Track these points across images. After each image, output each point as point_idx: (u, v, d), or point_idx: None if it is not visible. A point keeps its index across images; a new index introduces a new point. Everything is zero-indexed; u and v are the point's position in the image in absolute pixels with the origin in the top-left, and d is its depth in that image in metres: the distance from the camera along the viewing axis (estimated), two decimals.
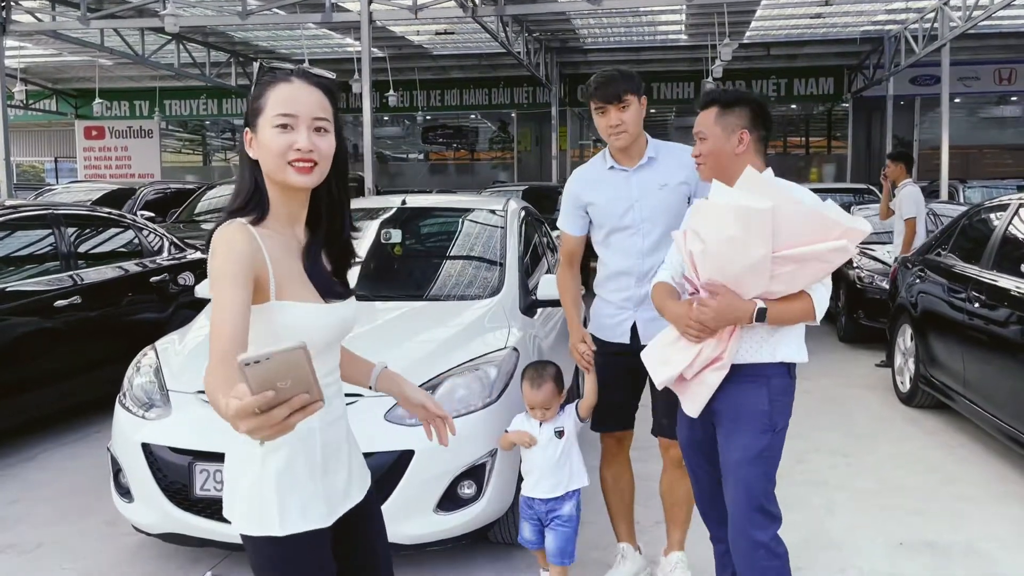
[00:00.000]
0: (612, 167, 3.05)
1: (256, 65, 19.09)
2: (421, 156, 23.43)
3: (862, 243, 7.80)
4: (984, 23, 12.27)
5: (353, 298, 1.80)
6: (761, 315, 2.32)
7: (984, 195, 12.60)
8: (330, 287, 1.73)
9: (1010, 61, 18.54)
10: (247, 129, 1.68)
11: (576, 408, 3.03)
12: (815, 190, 2.77)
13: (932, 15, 13.62)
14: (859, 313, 7.81)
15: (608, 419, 3.17)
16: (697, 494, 2.75)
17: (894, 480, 4.37)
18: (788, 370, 2.46)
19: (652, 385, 2.81)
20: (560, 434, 2.96)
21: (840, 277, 7.86)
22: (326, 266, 1.77)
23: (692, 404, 2.48)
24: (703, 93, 2.62)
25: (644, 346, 2.72)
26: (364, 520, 1.83)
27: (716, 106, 2.53)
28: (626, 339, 3.06)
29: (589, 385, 3.03)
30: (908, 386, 5.85)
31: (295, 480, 1.65)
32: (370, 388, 1.96)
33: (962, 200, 12.31)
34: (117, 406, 3.44)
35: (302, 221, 1.74)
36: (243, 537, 1.70)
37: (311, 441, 1.68)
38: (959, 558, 3.49)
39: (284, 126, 1.61)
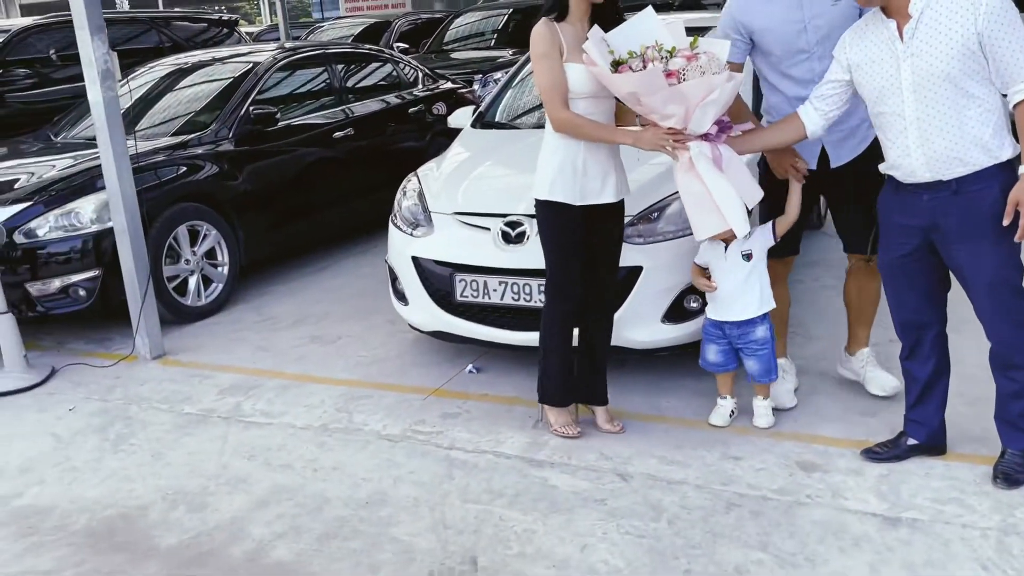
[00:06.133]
0: None
1: None
2: None
3: None
4: None
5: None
6: None
7: None
8: None
9: None
10: None
11: (773, 226, 3.05)
12: None
13: None
14: None
15: (785, 244, 3.12)
16: (899, 314, 2.73)
17: None
18: (1012, 163, 2.40)
19: (829, 208, 3.07)
20: (748, 257, 3.00)
21: None
22: None
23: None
24: None
25: (832, 170, 2.89)
26: (606, 214, 3.05)
27: None
28: (813, 164, 3.01)
29: (794, 200, 3.03)
30: None
31: (563, 173, 2.95)
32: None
33: None
34: (390, 225, 4.03)
35: (586, 21, 2.93)
36: (535, 201, 3.05)
37: (577, 154, 2.95)
38: None
39: None
